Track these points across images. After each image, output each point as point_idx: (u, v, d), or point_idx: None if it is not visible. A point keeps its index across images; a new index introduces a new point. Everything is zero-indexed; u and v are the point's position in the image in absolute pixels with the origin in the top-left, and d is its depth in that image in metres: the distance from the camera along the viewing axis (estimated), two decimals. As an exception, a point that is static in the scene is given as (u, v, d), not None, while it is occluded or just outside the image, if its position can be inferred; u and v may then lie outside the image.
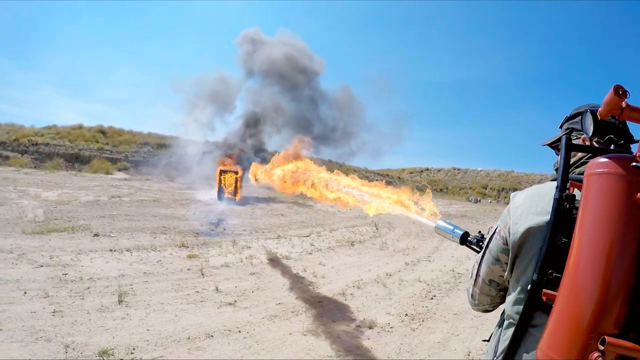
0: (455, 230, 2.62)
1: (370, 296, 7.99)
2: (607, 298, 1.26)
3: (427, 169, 66.73)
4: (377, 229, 16.64)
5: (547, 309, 1.44)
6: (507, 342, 1.61)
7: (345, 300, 7.65)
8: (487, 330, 6.53)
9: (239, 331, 5.93)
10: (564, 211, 1.46)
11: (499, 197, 51.64)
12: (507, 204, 1.84)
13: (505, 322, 1.72)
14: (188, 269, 8.69)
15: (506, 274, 1.75)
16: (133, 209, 15.71)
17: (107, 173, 29.45)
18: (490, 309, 1.99)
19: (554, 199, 1.49)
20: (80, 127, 37.20)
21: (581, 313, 1.29)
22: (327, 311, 7.01)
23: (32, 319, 5.66)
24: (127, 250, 9.69)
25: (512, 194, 1.81)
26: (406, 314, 7.15)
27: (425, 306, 7.66)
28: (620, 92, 1.30)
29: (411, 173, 64.61)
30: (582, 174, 1.49)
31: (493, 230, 1.83)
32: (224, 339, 5.65)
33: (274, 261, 10.13)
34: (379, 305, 7.51)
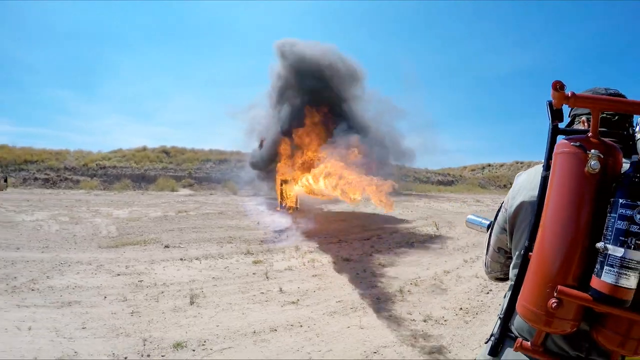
0: (483, 221, 2.80)
1: (426, 292, 8.22)
2: (564, 255, 1.52)
3: (489, 165, 64.81)
4: (437, 228, 16.75)
5: None
6: (509, 297, 1.85)
7: (403, 297, 7.89)
8: None
9: (301, 325, 6.32)
10: (545, 187, 1.69)
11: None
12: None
13: (509, 285, 2.02)
14: (254, 274, 9.15)
15: (507, 240, 2.06)
16: (199, 221, 16.45)
17: (173, 190, 30.53)
18: (502, 276, 2.27)
19: (541, 177, 1.75)
20: (144, 148, 38.84)
21: (545, 268, 1.56)
22: (384, 307, 7.28)
23: (112, 318, 6.25)
24: (196, 259, 10.27)
25: (518, 174, 2.11)
26: (461, 308, 7.35)
27: (480, 300, 7.82)
28: (558, 87, 1.59)
29: (472, 170, 63.11)
30: None
31: (500, 205, 2.14)
32: (286, 332, 6.05)
33: (336, 263, 10.47)
34: (434, 301, 7.73)
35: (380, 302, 7.54)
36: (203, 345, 5.49)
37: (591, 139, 1.59)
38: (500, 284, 2.72)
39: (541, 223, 1.65)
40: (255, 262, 10.15)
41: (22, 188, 27.80)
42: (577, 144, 1.58)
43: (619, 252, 1.41)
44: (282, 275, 9.19)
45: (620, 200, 1.45)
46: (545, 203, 1.65)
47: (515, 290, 1.76)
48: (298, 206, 20.18)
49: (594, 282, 1.47)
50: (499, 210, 2.15)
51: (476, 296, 8.07)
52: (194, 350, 5.34)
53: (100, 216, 16.80)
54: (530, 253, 1.68)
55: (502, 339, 1.92)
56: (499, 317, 1.98)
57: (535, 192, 1.79)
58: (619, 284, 1.41)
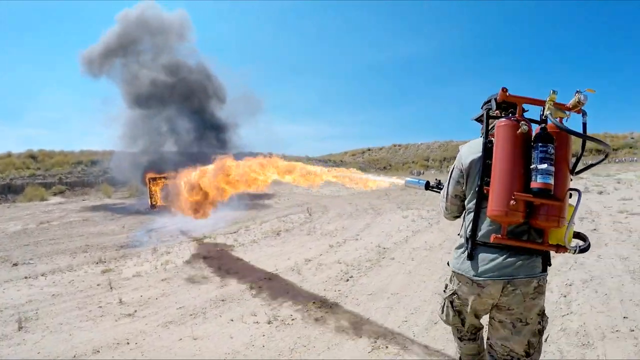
0: (420, 181, 4.16)
1: (279, 287, 7.79)
2: (512, 179, 2.70)
3: (369, 149, 66.59)
4: (310, 214, 16.64)
5: (487, 197, 2.84)
6: (471, 220, 3.02)
7: (252, 295, 7.41)
8: (402, 308, 6.40)
9: (128, 343, 5.68)
10: (488, 148, 2.93)
11: (441, 167, 51.97)
12: (449, 172, 3.33)
13: (467, 213, 3.13)
14: (98, 285, 8.39)
15: (463, 187, 3.15)
16: (60, 232, 15.32)
17: (43, 199, 28.64)
18: (458, 214, 3.36)
19: (482, 143, 2.98)
20: (9, 155, 36.12)
21: (504, 186, 2.70)
22: (228, 309, 6.78)
23: None
24: (42, 275, 9.35)
25: (460, 147, 3.26)
26: (314, 302, 6.91)
27: (338, 290, 7.45)
28: (504, 90, 2.86)
29: (353, 155, 64.51)
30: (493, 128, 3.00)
31: (452, 167, 3.25)
32: (109, 353, 5.39)
33: (190, 263, 9.90)
34: (286, 296, 7.30)
35: (225, 304, 7.02)
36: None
37: (519, 117, 2.85)
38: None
39: (493, 166, 2.81)
40: (104, 272, 9.37)
41: None
42: (514, 119, 2.79)
43: (544, 166, 2.58)
44: (129, 283, 8.48)
45: (539, 144, 2.62)
46: (494, 154, 2.82)
47: (476, 213, 2.98)
48: (157, 203, 19.40)
49: (533, 184, 2.62)
50: (452, 171, 3.26)
51: (334, 285, 7.71)
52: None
53: (-52, 237, 15.28)
54: (486, 187, 2.88)
55: (473, 247, 2.99)
56: (466, 238, 3.05)
57: (478, 154, 3.00)
58: (547, 182, 2.58)
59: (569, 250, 2.77)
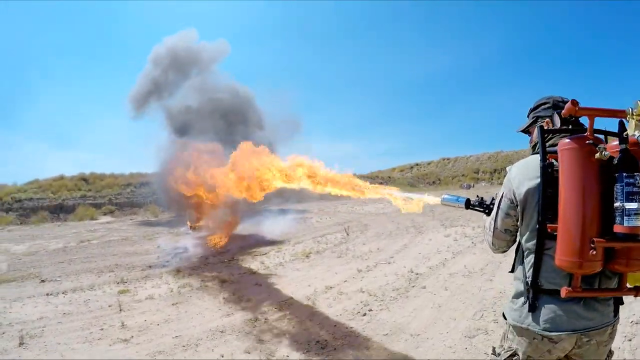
0: (459, 199, 3.51)
1: (287, 320, 7.16)
2: (586, 219, 2.15)
3: (417, 164, 65.91)
4: (347, 234, 16.06)
5: (551, 236, 2.33)
6: (531, 263, 2.46)
7: (254, 327, 6.87)
8: (420, 355, 5.52)
9: (111, 371, 5.36)
10: (547, 174, 2.35)
11: (492, 179, 50.92)
12: (501, 183, 2.74)
13: (525, 254, 2.54)
14: (109, 306, 8.22)
15: (518, 222, 2.60)
16: (97, 250, 15.38)
17: (93, 218, 29.20)
18: (506, 249, 2.82)
19: (540, 167, 2.38)
20: (61, 177, 37.17)
21: (575, 234, 2.17)
22: (223, 343, 6.29)
23: None
24: (63, 293, 9.33)
25: (508, 168, 2.69)
26: (317, 341, 6.15)
27: (350, 327, 6.65)
28: (575, 103, 2.23)
29: (402, 171, 63.48)
30: (553, 145, 2.46)
31: (501, 195, 2.67)
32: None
33: (207, 287, 9.54)
34: (291, 331, 6.62)
35: (223, 336, 6.55)
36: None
37: (590, 136, 2.24)
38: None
39: (561, 201, 2.26)
40: (121, 292, 9.19)
41: None
42: (590, 142, 2.20)
43: (633, 205, 2.07)
44: (139, 306, 8.23)
45: (624, 174, 2.09)
46: (561, 185, 2.27)
47: (538, 256, 2.43)
48: (192, 224, 19.13)
49: (618, 228, 2.11)
50: (500, 201, 2.68)
51: (348, 320, 6.97)
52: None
53: (-3, 253, 15.58)
54: (550, 224, 2.33)
55: (535, 296, 2.47)
56: (526, 284, 2.52)
57: (536, 181, 2.43)
58: (635, 225, 2.07)
59: None
